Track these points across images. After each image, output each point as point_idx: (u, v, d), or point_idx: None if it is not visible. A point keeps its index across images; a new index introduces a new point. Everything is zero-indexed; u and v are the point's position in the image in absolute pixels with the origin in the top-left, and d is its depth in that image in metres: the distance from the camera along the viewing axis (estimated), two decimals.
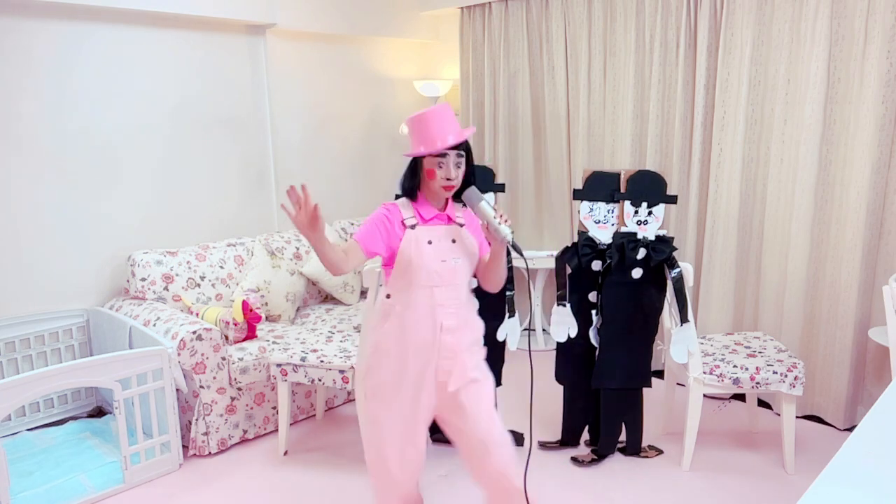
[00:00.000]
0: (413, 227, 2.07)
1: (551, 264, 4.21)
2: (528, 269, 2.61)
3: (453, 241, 2.08)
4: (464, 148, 2.05)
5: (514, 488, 2.08)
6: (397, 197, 3.05)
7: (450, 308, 2.08)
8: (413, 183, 2.10)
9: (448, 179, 2.02)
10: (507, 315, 3.03)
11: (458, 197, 2.10)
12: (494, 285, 2.18)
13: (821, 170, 3.26)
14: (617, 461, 3.07)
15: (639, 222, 2.90)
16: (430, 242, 2.06)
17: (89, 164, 3.51)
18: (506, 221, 1.97)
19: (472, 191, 2.02)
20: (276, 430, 3.42)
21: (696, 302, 3.78)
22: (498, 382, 3.08)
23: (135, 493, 2.88)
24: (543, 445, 3.20)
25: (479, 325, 2.19)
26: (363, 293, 4.25)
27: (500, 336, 3.04)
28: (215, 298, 3.67)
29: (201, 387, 3.10)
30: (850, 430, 3.32)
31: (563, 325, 2.99)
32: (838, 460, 1.38)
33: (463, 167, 2.06)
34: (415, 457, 2.16)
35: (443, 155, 2.01)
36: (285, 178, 4.38)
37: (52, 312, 3.44)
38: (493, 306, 2.99)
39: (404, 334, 2.07)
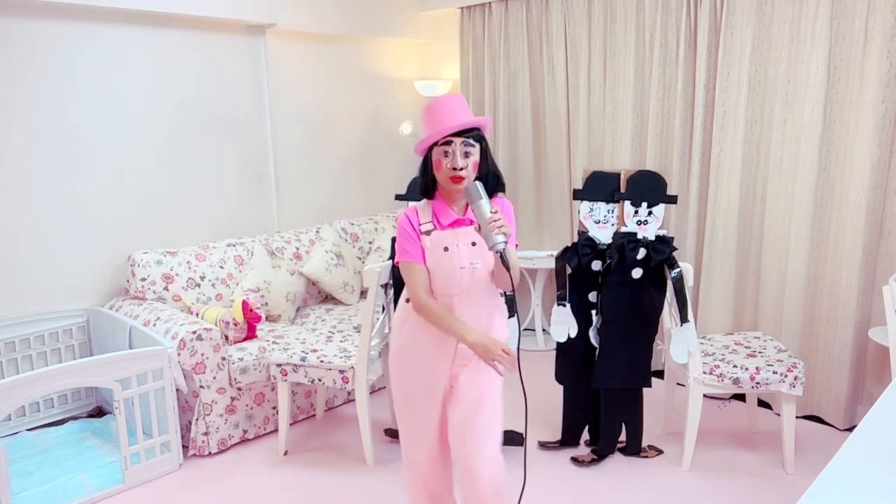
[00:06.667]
0: (428, 232, 1.96)
1: (551, 264, 4.21)
2: (513, 287, 2.15)
3: (473, 245, 1.97)
4: (475, 138, 1.91)
5: None
6: (397, 197, 3.03)
7: (468, 316, 1.99)
8: (425, 179, 1.98)
9: (454, 169, 1.89)
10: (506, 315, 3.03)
11: None
12: (500, 287, 2.08)
13: (821, 170, 3.25)
14: (617, 461, 3.07)
15: (639, 222, 2.90)
16: (446, 249, 1.95)
17: (89, 164, 3.51)
18: (500, 228, 1.80)
19: (474, 186, 1.86)
20: (276, 430, 3.42)
21: (696, 302, 3.78)
22: None
23: (135, 493, 2.88)
24: (543, 445, 3.20)
25: (501, 331, 2.09)
26: (363, 293, 4.25)
27: None
28: (215, 298, 3.67)
29: (201, 387, 3.10)
30: (850, 430, 3.32)
31: (563, 325, 2.99)
32: (838, 460, 1.38)
33: (474, 158, 1.92)
34: (437, 455, 2.16)
35: (449, 143, 1.88)
36: (285, 178, 4.38)
37: (52, 312, 3.44)
38: None
39: (423, 342, 2.03)
